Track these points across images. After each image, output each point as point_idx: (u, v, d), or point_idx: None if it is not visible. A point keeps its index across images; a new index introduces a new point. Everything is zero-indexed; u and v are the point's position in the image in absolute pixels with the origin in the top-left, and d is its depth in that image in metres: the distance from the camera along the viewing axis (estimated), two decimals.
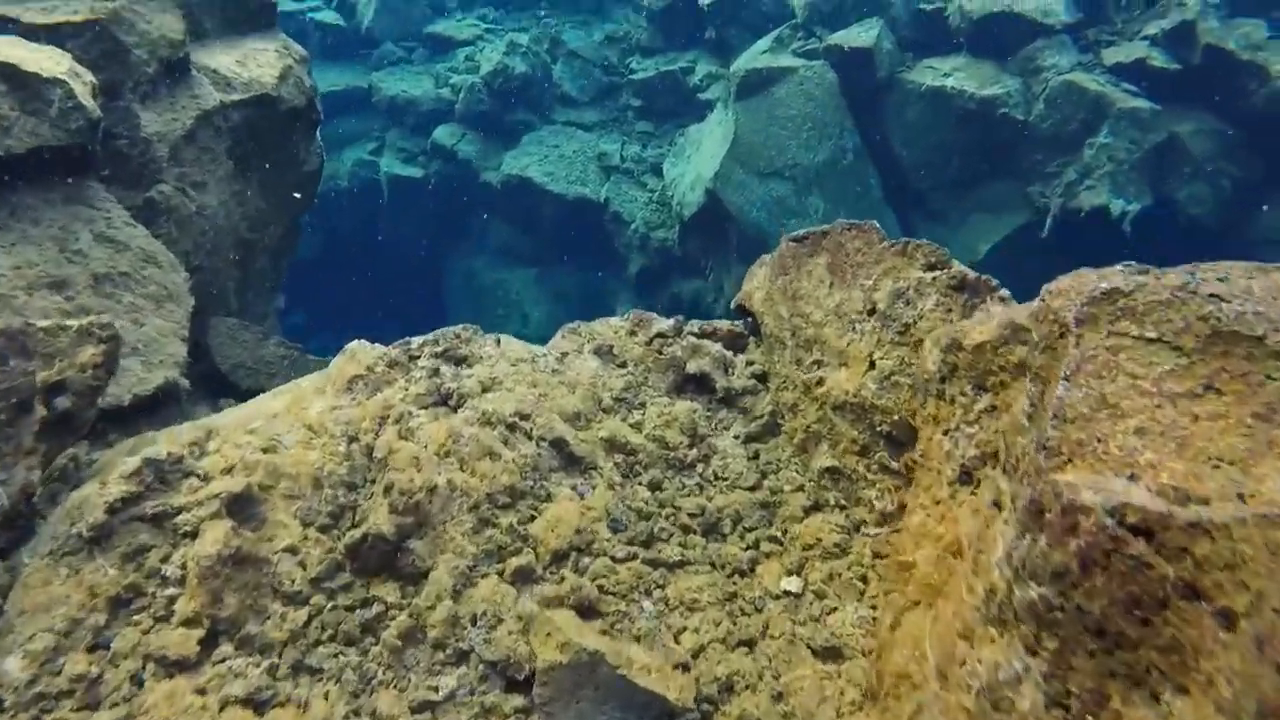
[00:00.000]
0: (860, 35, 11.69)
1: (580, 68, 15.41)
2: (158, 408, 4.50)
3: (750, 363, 3.96)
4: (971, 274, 2.96)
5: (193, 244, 5.28)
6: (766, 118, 11.82)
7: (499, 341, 4.01)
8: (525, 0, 16.56)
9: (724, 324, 4.16)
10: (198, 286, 5.50)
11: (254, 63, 5.78)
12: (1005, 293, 2.98)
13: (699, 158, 12.77)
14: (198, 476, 3.09)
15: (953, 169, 11.82)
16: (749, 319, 4.17)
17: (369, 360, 3.74)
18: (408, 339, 3.86)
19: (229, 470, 3.15)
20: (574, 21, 16.09)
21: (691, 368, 3.91)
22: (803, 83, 11.87)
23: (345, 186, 15.97)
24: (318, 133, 7.03)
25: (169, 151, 5.07)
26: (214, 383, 5.57)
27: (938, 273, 3.05)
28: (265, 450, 3.28)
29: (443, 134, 15.23)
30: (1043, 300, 2.17)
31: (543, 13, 16.23)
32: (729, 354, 3.99)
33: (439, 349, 3.83)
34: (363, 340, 4.02)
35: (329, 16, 16.11)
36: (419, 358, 3.79)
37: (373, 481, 3.27)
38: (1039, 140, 11.02)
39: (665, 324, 4.08)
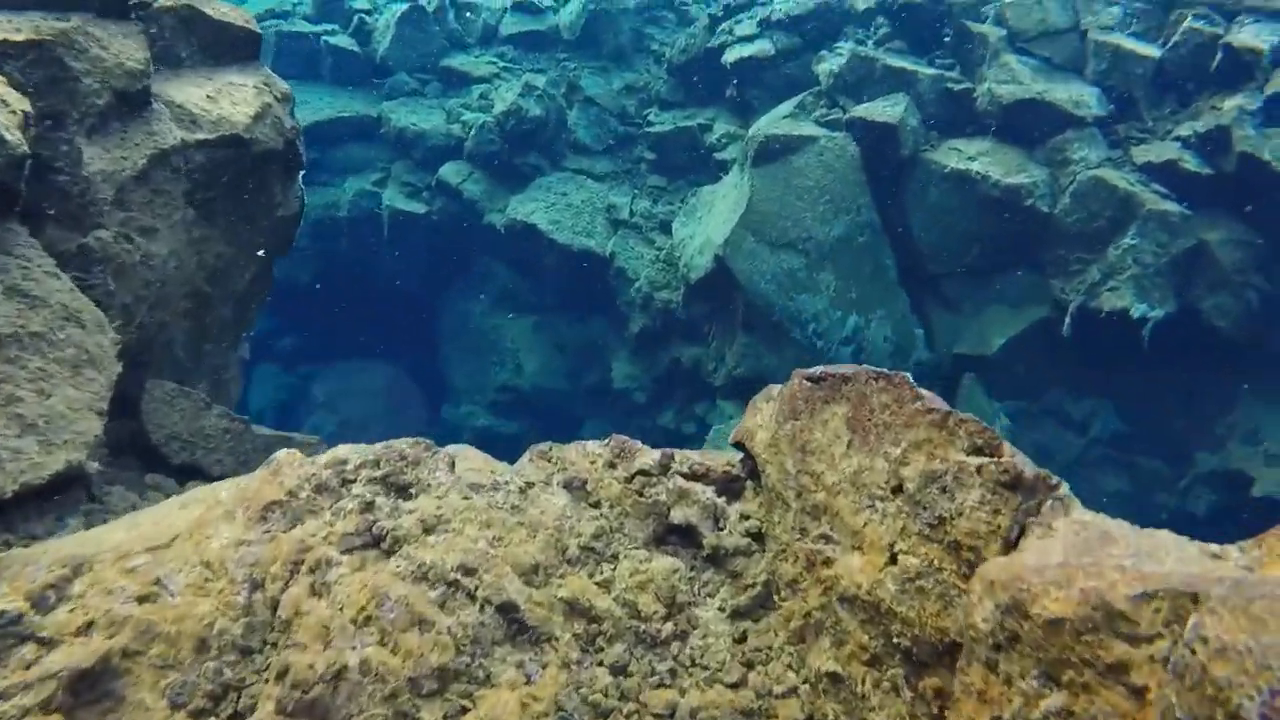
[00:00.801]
0: (885, 110, 11.24)
1: (596, 115, 14.99)
2: (53, 496, 3.90)
3: (746, 516, 3.36)
4: (1028, 468, 2.38)
5: (133, 297, 4.70)
6: (783, 186, 11.33)
7: (453, 465, 3.41)
8: (546, 41, 16.19)
9: (718, 461, 3.56)
10: (138, 344, 4.92)
11: (227, 99, 5.25)
12: (1065, 491, 2.39)
13: (710, 220, 12.27)
14: (38, 641, 2.47)
15: (972, 256, 11.31)
16: (747, 458, 3.58)
17: (293, 482, 3.15)
18: (344, 458, 3.26)
19: (86, 628, 2.53)
20: (594, 68, 15.71)
21: (676, 516, 3.32)
22: (823, 153, 11.40)
23: (345, 216, 15.48)
24: (299, 176, 6.50)
25: (114, 193, 4.52)
26: (147, 454, 4.97)
27: (984, 460, 2.46)
28: (142, 599, 2.67)
29: (449, 171, 14.78)
30: (1149, 595, 1.57)
31: (562, 56, 15.86)
32: (721, 501, 3.40)
33: (379, 473, 3.23)
34: (294, 450, 3.42)
35: (344, 41, 15.73)
36: (354, 482, 3.20)
37: (274, 645, 2.67)
38: (1064, 234, 10.52)
39: (650, 458, 3.48)
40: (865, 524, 2.75)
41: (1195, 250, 10.05)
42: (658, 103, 15.29)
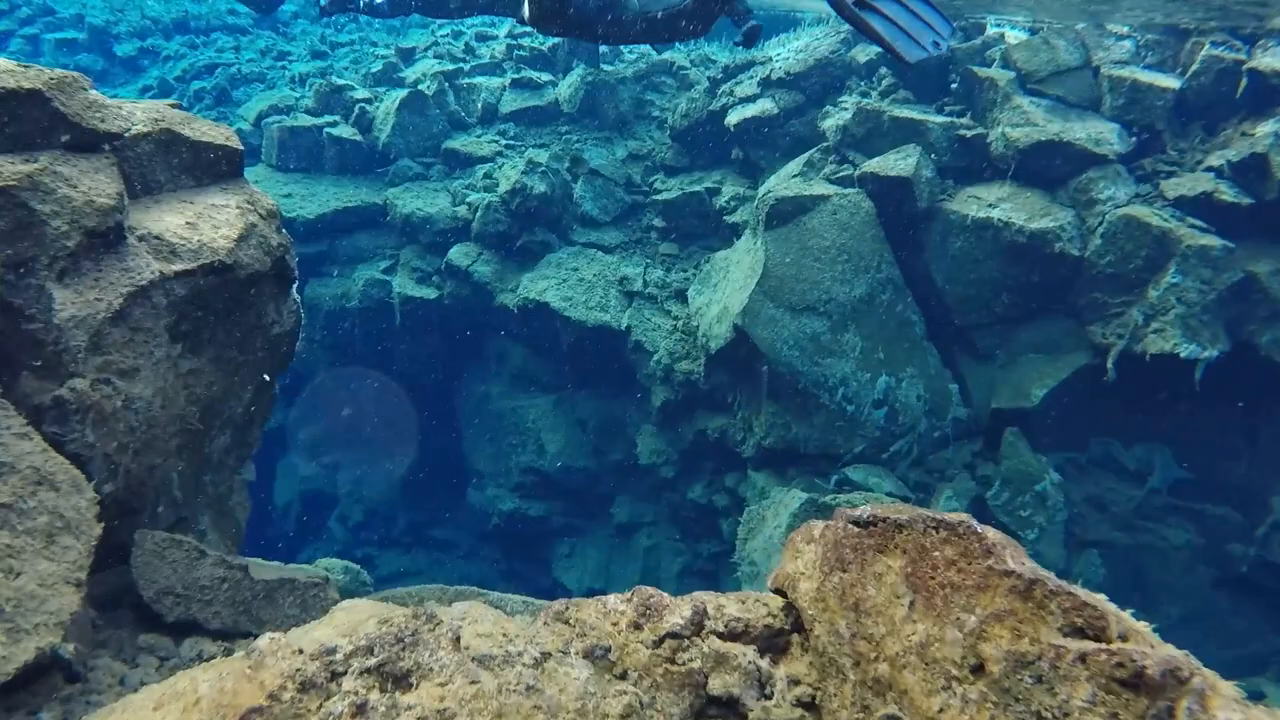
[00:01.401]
0: (898, 163, 10.92)
1: (601, 186, 14.80)
2: (24, 688, 3.52)
3: (795, 680, 2.92)
4: (1152, 659, 1.93)
5: (116, 445, 4.37)
6: (799, 249, 10.99)
7: (458, 639, 3.00)
8: (546, 115, 16.11)
9: (758, 613, 3.13)
10: (126, 492, 4.58)
11: (208, 223, 4.97)
12: (1200, 683, 1.94)
13: (726, 288, 11.93)
14: None
15: (1001, 305, 10.88)
16: (789, 606, 3.14)
17: (275, 681, 2.74)
18: (332, 646, 2.86)
19: None
20: (596, 138, 15.57)
21: (715, 687, 2.88)
22: (836, 212, 11.07)
23: (356, 306, 15.30)
24: (292, 290, 6.21)
25: (89, 338, 4.21)
26: (141, 609, 4.60)
27: (1090, 646, 2.02)
28: None
29: (458, 253, 14.59)
30: None
31: (564, 129, 15.76)
32: (765, 664, 2.95)
33: (372, 661, 2.82)
34: (277, 635, 3.03)
35: (345, 131, 15.71)
36: (344, 674, 2.79)
37: None
38: (1098, 277, 10.07)
39: (680, 615, 3.05)
40: (942, 711, 2.30)
41: (1243, 284, 9.57)
42: (663, 169, 15.10)
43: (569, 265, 14.15)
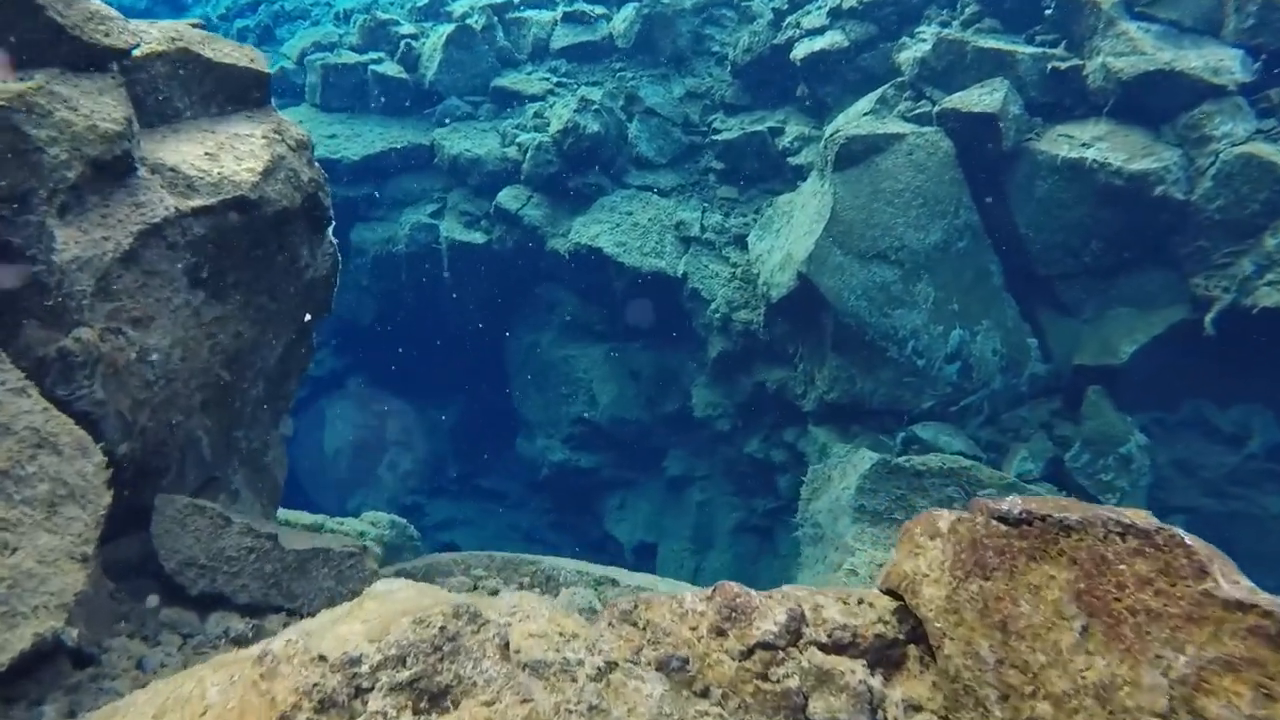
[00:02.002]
0: (982, 98, 10.05)
1: (657, 126, 14.08)
2: (23, 679, 3.13)
3: (914, 706, 2.39)
4: None
5: (131, 401, 3.95)
6: (870, 192, 10.24)
7: (506, 644, 2.51)
8: (600, 51, 15.35)
9: (866, 618, 2.59)
10: (145, 453, 4.17)
11: (230, 154, 4.47)
12: None
13: (790, 233, 11.23)
14: None
15: (1090, 254, 10.04)
16: (904, 609, 2.60)
17: (289, 698, 2.28)
18: (357, 654, 2.39)
19: None
20: (652, 75, 14.80)
21: (818, 711, 2.36)
22: (912, 152, 10.27)
23: (403, 251, 14.89)
24: (328, 230, 5.72)
25: (95, 283, 3.77)
26: (163, 581, 4.22)
27: None
28: None
29: (507, 196, 14.04)
30: None
31: (618, 66, 15.00)
32: (876, 683, 2.42)
33: (404, 675, 2.35)
34: (293, 636, 2.57)
35: (391, 69, 15.15)
36: (370, 690, 2.33)
37: None
38: (1204, 223, 9.19)
39: (774, 621, 2.52)
40: None
41: None
42: (723, 108, 14.31)
43: (623, 209, 13.52)
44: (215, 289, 4.55)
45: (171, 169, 4.15)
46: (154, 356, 3.98)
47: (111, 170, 3.84)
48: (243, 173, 4.42)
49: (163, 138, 4.46)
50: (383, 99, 15.26)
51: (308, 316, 5.87)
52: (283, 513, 9.23)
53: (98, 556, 3.69)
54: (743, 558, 13.35)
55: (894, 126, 10.57)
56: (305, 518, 9.07)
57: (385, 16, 15.98)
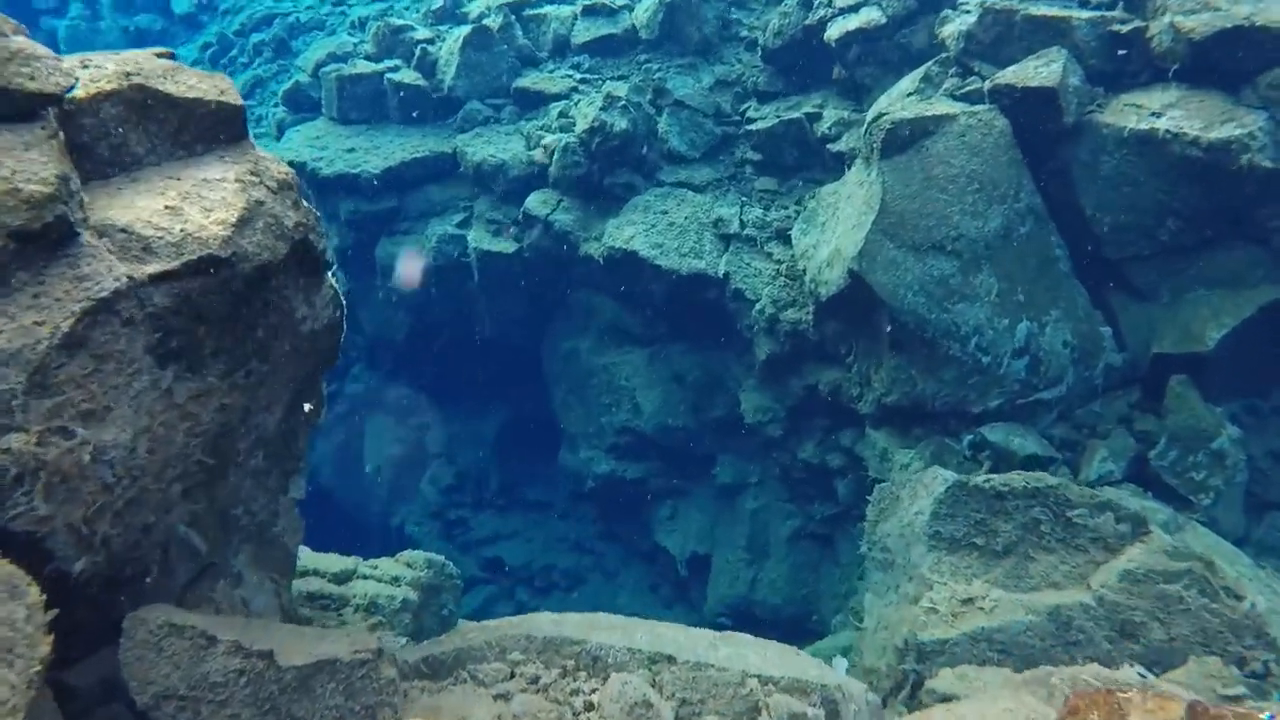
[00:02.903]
0: (1039, 71, 9.22)
1: (688, 119, 13.39)
2: None
3: None
4: None
5: (86, 511, 3.43)
6: (921, 179, 9.48)
7: None
8: (623, 44, 14.66)
9: None
10: (109, 566, 3.65)
11: (197, 206, 3.94)
12: None
13: (836, 227, 10.51)
14: None
15: (1166, 233, 9.20)
16: None
17: None
18: None
19: None
20: (679, 66, 14.09)
21: None
22: (965, 133, 9.48)
23: (431, 264, 14.40)
24: (328, 275, 5.18)
25: (27, 378, 3.24)
26: (135, 713, 3.70)
27: None
28: None
29: (536, 202, 13.48)
30: None
31: (643, 58, 14.31)
32: None
33: None
34: None
35: (408, 76, 14.64)
36: None
37: None
38: None
39: None
40: None
41: None
42: (755, 95, 13.57)
43: (657, 208, 12.88)
44: (191, 362, 4.03)
45: (124, 230, 3.62)
46: (112, 454, 3.46)
47: (42, 240, 3.31)
48: (211, 227, 3.88)
49: (117, 190, 3.93)
50: (401, 108, 14.77)
51: (317, 376, 5.36)
52: (312, 556, 8.81)
53: (46, 694, 3.17)
54: (801, 567, 12.71)
55: (943, 107, 9.78)
56: (334, 562, 8.63)
57: (399, 23, 15.48)
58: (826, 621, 12.26)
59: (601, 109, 12.91)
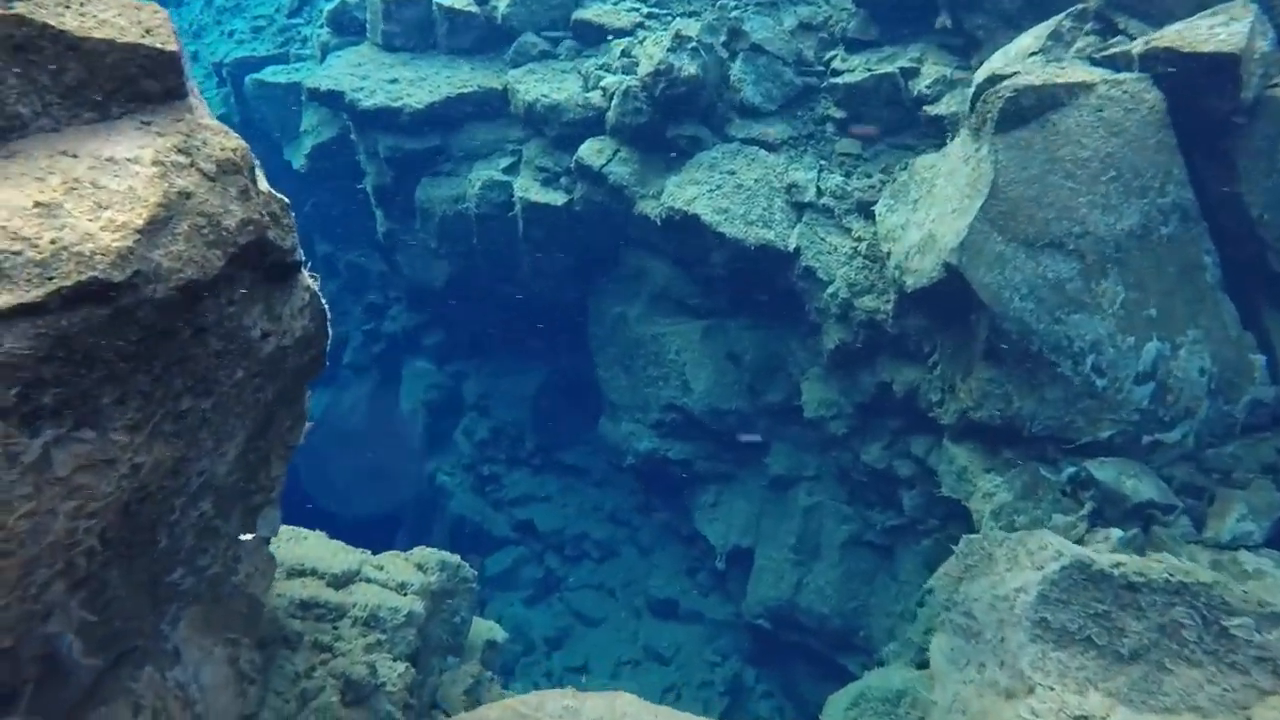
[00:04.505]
0: (1215, 33, 7.55)
1: (765, 66, 11.83)
2: None
3: None
4: None
5: None
6: (1043, 160, 7.95)
7: None
8: None
9: None
10: None
11: (86, 200, 2.75)
12: None
13: (932, 208, 9.03)
14: None
15: None
16: None
17: None
18: None
19: None
20: (758, 4, 12.46)
21: None
22: (1103, 108, 7.90)
23: (474, 211, 13.18)
24: (302, 274, 3.98)
25: None
26: None
27: None
28: None
29: (590, 150, 12.12)
30: None
31: None
32: None
33: None
34: None
35: (459, 1, 13.21)
36: None
37: None
38: None
39: None
40: None
41: None
42: (843, 43, 11.92)
43: (724, 167, 11.44)
44: (80, 417, 2.86)
45: None
46: None
47: None
48: (101, 235, 2.69)
49: None
50: (450, 36, 13.39)
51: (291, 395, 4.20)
52: (313, 545, 7.82)
53: None
54: (854, 576, 11.52)
55: (1078, 73, 8.17)
56: (336, 558, 7.64)
57: None
58: (875, 640, 11.12)
59: (669, 50, 11.41)
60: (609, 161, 12.01)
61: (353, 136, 14.14)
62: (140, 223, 2.83)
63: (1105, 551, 6.27)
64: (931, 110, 10.49)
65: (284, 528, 8.04)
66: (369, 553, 8.05)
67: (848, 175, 11.02)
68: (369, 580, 7.58)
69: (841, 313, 10.29)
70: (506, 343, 16.14)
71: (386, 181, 13.79)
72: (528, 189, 12.65)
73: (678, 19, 12.51)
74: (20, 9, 2.92)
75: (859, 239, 10.43)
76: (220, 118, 13.55)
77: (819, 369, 11.17)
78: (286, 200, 3.57)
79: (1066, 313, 7.92)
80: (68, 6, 3.07)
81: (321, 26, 15.56)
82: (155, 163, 2.98)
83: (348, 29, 14.86)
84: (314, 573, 7.43)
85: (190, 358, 3.28)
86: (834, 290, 10.31)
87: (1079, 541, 6.92)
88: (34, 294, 2.57)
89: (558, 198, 12.53)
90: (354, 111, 13.23)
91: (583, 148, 12.16)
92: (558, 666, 14.55)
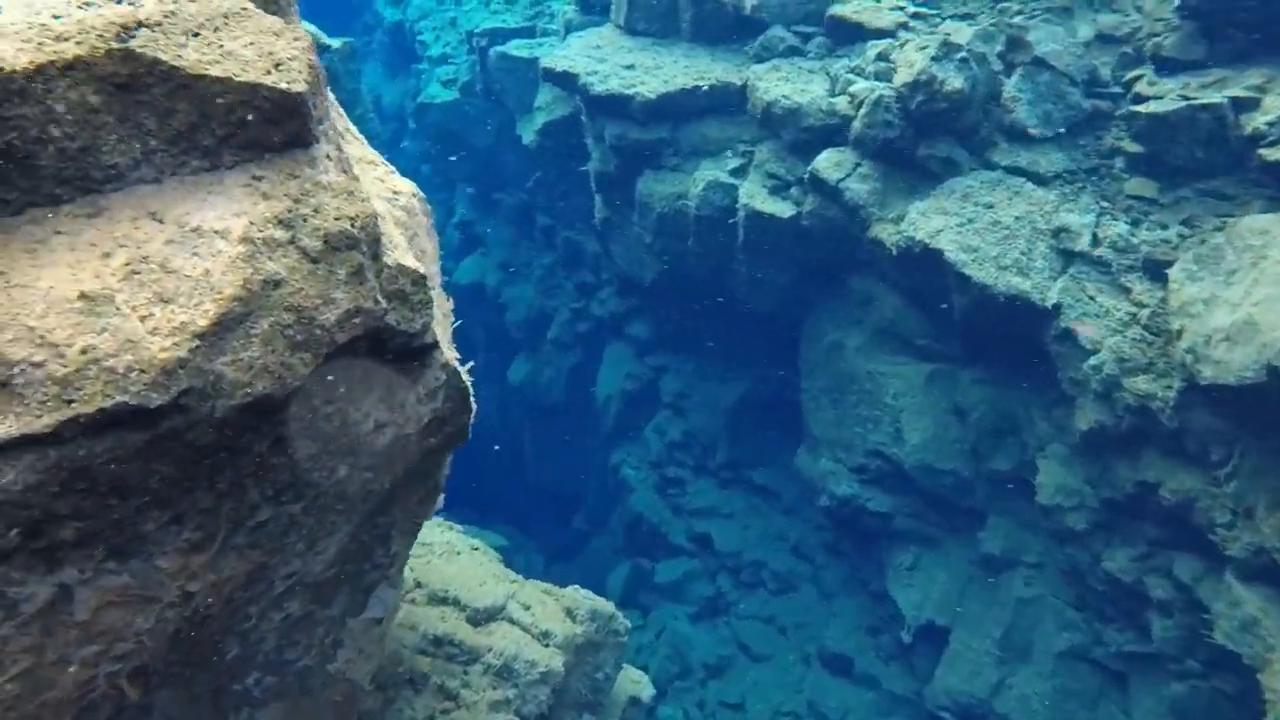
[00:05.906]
0: None
1: (1048, 84, 10.10)
2: None
3: None
4: None
5: None
6: None
7: None
8: None
9: None
10: None
11: (147, 290, 2.05)
12: None
13: (1257, 286, 7.19)
14: None
15: None
16: None
17: None
18: None
19: None
20: (1049, 9, 10.69)
21: None
22: None
23: (693, 211, 12.33)
24: (437, 357, 3.19)
25: None
26: None
27: None
28: None
29: (827, 162, 10.91)
30: None
31: None
32: None
33: None
34: None
35: None
36: None
37: None
38: None
39: None
40: None
41: None
42: (1154, 61, 9.94)
43: (980, 199, 9.89)
44: (112, 548, 2.19)
45: None
46: None
47: None
48: (149, 341, 1.96)
49: (38, 241, 2.07)
50: (695, 24, 12.51)
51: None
52: (462, 569, 7.34)
53: None
54: (1070, 694, 9.80)
55: None
56: (484, 589, 7.09)
57: None
58: None
59: (933, 58, 9.95)
60: (847, 176, 10.74)
61: (583, 118, 13.66)
62: (204, 324, 2.09)
63: None
64: (1270, 155, 8.46)
65: (438, 541, 7.60)
66: (520, 581, 7.46)
67: (1135, 224, 9.18)
68: (512, 621, 6.97)
69: (1104, 390, 8.57)
70: (709, 348, 15.31)
71: (610, 169, 13.22)
72: (753, 196, 11.62)
73: (948, 21, 10.97)
74: (134, 43, 2.25)
75: (1140, 304, 8.63)
76: (464, 86, 13.24)
77: (1063, 447, 9.48)
78: (421, 271, 2.77)
79: None
80: (195, 35, 2.37)
81: (568, 3, 15.17)
82: (244, 239, 2.24)
83: (593, 7, 14.37)
84: (456, 603, 6.91)
85: (270, 467, 2.55)
86: (1098, 362, 8.60)
87: None
88: (43, 421, 1.88)
89: (785, 209, 11.42)
90: (586, 95, 12.70)
91: (820, 157, 10.95)
92: (712, 698, 13.69)
